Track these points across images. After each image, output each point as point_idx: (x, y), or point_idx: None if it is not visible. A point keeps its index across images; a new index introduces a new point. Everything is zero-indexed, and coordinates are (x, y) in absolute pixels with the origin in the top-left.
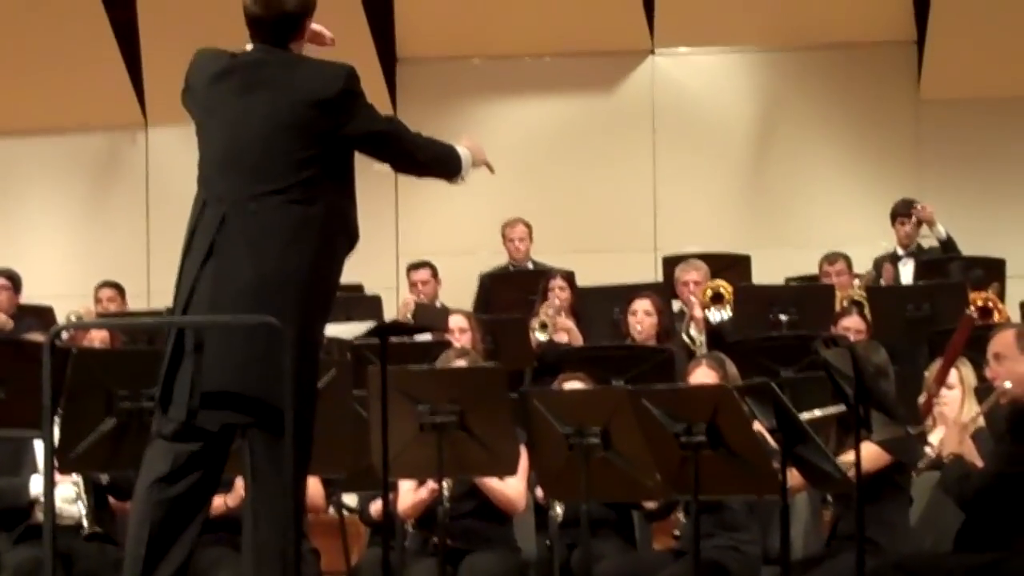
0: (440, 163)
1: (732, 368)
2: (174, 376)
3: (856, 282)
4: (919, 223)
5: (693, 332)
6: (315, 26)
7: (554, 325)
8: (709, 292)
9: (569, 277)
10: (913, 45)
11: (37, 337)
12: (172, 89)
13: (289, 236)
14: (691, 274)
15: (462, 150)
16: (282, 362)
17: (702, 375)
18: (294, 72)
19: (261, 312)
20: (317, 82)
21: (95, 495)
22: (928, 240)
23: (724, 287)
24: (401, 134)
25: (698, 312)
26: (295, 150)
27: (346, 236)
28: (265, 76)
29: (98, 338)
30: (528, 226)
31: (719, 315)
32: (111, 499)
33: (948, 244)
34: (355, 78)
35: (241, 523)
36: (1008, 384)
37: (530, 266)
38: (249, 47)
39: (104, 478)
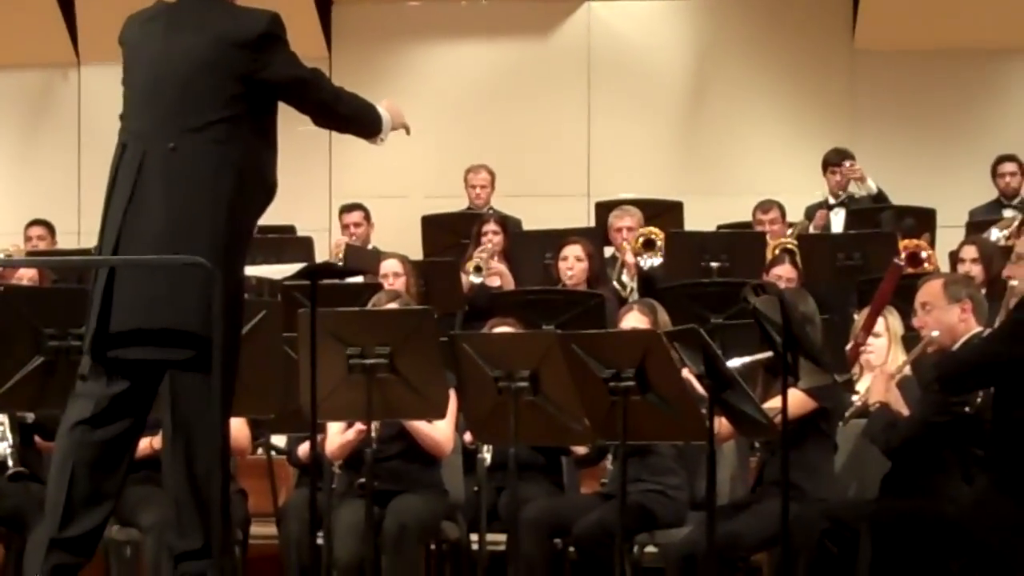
0: (361, 119)
1: (663, 315)
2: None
3: (788, 231)
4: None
5: (625, 278)
6: None
7: (488, 268)
8: (641, 239)
9: (502, 221)
10: None
11: None
12: (104, 27)
13: (204, 178)
14: (624, 220)
15: (383, 110)
16: (199, 302)
17: (633, 320)
18: (218, 14)
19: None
20: (239, 23)
21: (20, 434)
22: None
23: (656, 234)
24: (323, 84)
25: (630, 258)
26: (213, 89)
27: (262, 186)
28: (189, 17)
29: (27, 276)
30: (491, 173)
31: (651, 261)
32: (37, 439)
33: (879, 198)
34: (279, 23)
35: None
36: (935, 333)
37: (490, 212)
38: None
39: (30, 417)
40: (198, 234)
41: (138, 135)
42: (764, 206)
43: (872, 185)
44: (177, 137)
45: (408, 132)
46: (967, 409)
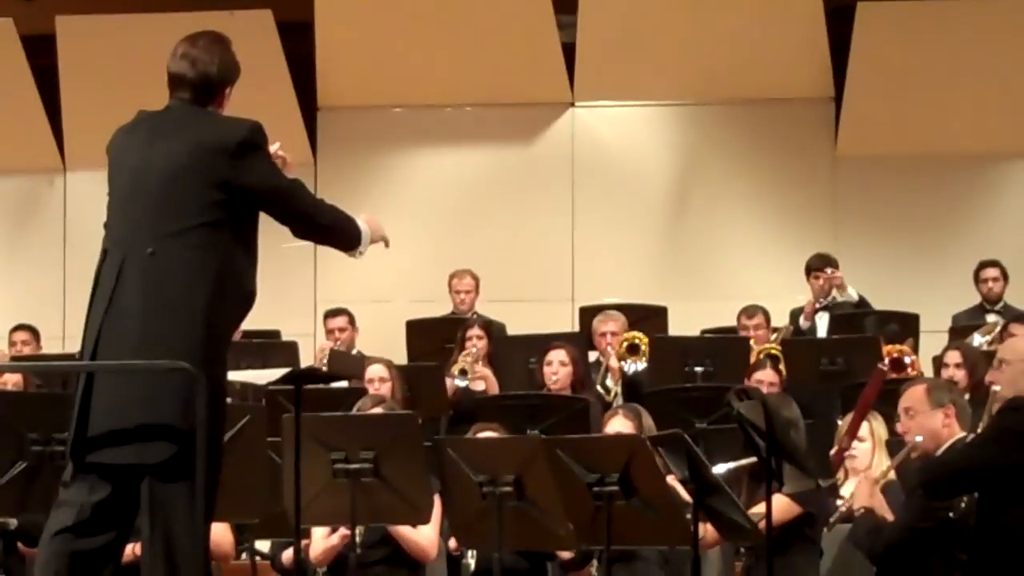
0: (340, 231)
1: (648, 419)
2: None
3: (773, 336)
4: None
5: (609, 382)
6: (274, 150)
7: (473, 372)
8: (625, 343)
9: (486, 326)
10: (831, 102)
11: None
12: (90, 134)
13: (181, 284)
14: (609, 325)
15: (362, 224)
16: (176, 406)
17: (618, 425)
18: (200, 122)
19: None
20: (220, 130)
21: (3, 539)
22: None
23: (640, 338)
24: (303, 195)
25: (614, 363)
26: (192, 195)
27: (240, 294)
28: (171, 126)
29: (11, 381)
30: (475, 278)
31: (635, 366)
32: (20, 545)
33: (861, 305)
34: (259, 132)
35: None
36: (919, 438)
37: (474, 316)
38: None
39: (13, 523)
40: (174, 340)
41: (118, 241)
42: (749, 311)
43: (853, 293)
44: (156, 242)
45: (387, 245)
46: (951, 514)
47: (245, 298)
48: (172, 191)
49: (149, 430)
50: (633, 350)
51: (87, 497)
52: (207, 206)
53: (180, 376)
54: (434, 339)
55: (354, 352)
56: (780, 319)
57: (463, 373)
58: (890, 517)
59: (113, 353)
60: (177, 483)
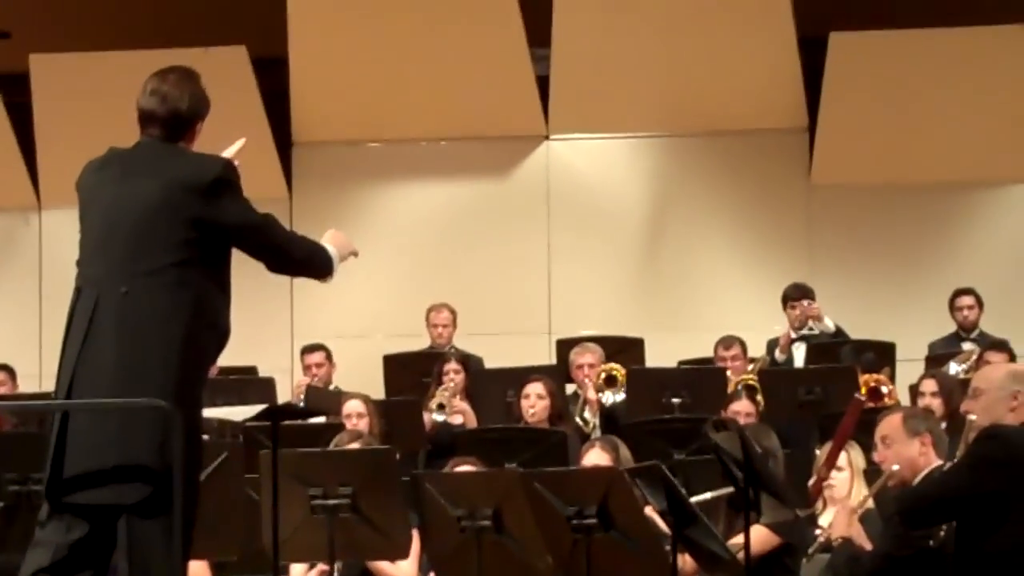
0: (314, 262)
1: (625, 451)
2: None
3: (750, 366)
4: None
5: (587, 414)
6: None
7: (451, 406)
8: (603, 375)
9: (464, 360)
10: (804, 132)
11: None
12: (65, 172)
13: (155, 322)
14: (586, 357)
15: (330, 248)
16: (150, 444)
17: (595, 457)
18: (172, 159)
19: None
20: (193, 168)
21: None
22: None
23: (617, 370)
24: (276, 230)
25: (592, 394)
26: (166, 233)
27: (215, 331)
28: (143, 164)
29: None
30: (453, 312)
31: (612, 397)
32: None
33: (838, 335)
34: (232, 169)
35: None
36: (896, 467)
37: (451, 351)
38: None
39: None
40: (149, 379)
41: (92, 280)
42: (726, 342)
43: (829, 324)
44: (129, 281)
45: (356, 255)
46: (931, 543)
47: (220, 336)
48: (145, 230)
49: (125, 470)
50: (611, 381)
51: (63, 537)
52: (181, 244)
53: (155, 414)
54: (412, 374)
55: (331, 387)
56: (757, 349)
57: (441, 407)
58: (868, 546)
59: (88, 393)
60: (154, 521)
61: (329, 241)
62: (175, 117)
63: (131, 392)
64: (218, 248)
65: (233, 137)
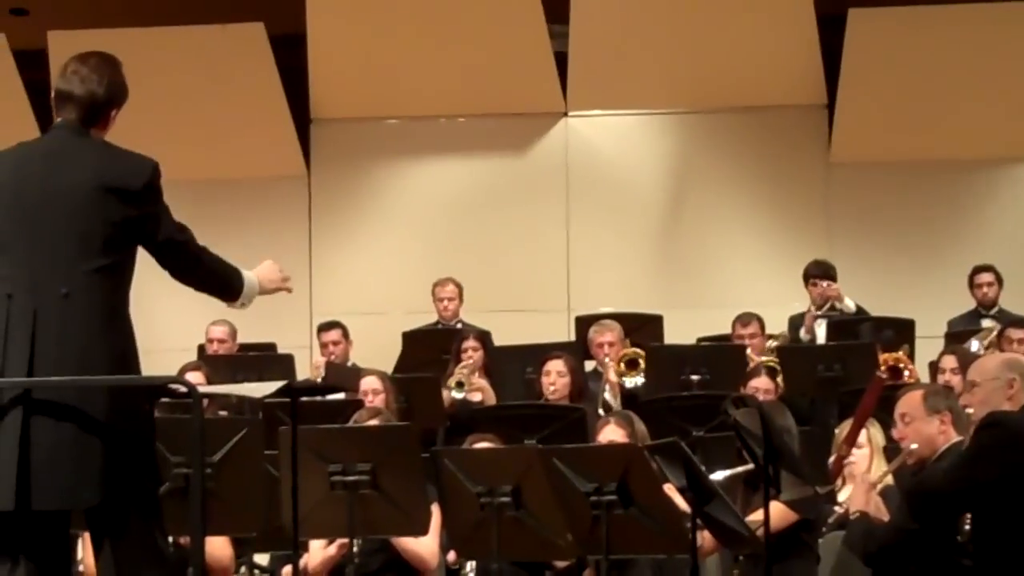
0: (218, 282)
1: (640, 425)
2: None
3: (769, 343)
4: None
5: (609, 396)
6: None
7: (470, 384)
8: (624, 359)
9: (482, 337)
10: (824, 109)
11: None
12: None
13: (97, 325)
14: (605, 335)
15: (248, 276)
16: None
17: (611, 433)
18: (100, 156)
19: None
20: (123, 169)
21: None
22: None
23: (639, 353)
24: (190, 248)
25: (613, 377)
26: (97, 234)
27: (131, 329)
28: (68, 158)
29: None
30: (458, 285)
31: (634, 381)
32: None
33: (859, 314)
34: (159, 174)
35: None
36: (915, 445)
37: (458, 325)
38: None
39: None
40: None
41: (23, 283)
42: (743, 319)
43: (850, 303)
44: (68, 283)
45: (289, 291)
46: (959, 538)
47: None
48: (77, 230)
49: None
50: (632, 365)
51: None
52: (110, 245)
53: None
54: (430, 350)
55: (349, 364)
56: (776, 326)
57: (460, 385)
58: (886, 519)
59: (50, 405)
60: (131, 528)
61: (260, 271)
62: (91, 101)
63: (87, 392)
64: (133, 251)
65: (252, 114)
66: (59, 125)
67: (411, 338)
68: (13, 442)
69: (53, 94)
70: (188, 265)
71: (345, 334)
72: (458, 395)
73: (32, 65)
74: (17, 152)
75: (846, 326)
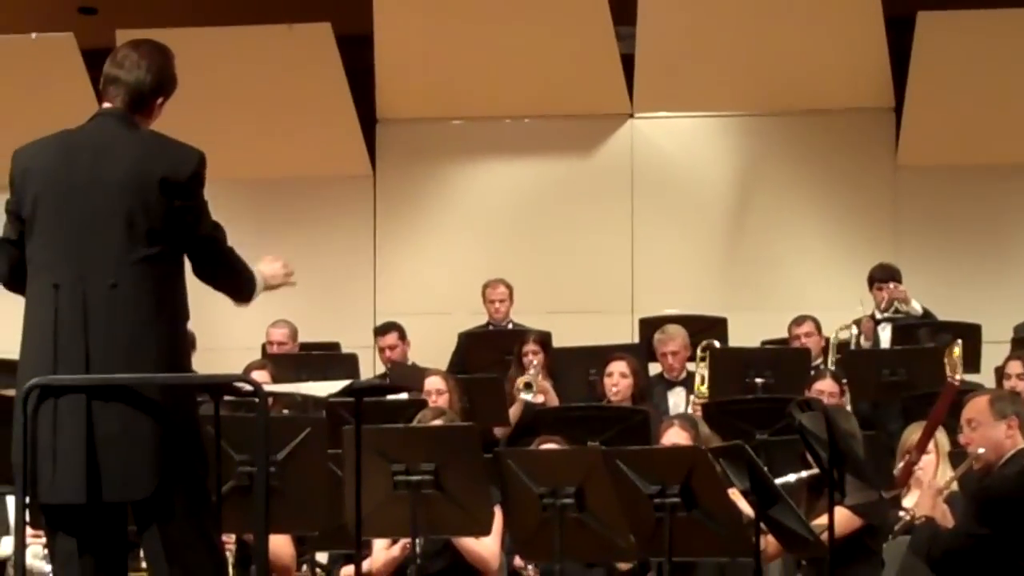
0: (239, 284)
1: (704, 428)
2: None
3: (834, 335)
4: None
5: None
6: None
7: (537, 385)
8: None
9: (542, 339)
10: (891, 112)
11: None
12: None
13: (147, 313)
14: (669, 345)
15: (257, 274)
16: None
17: (674, 436)
18: (146, 146)
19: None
20: (171, 159)
21: None
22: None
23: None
24: (223, 244)
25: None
26: (141, 225)
27: (185, 320)
28: (114, 148)
29: None
30: (509, 287)
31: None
32: None
33: (926, 317)
34: (205, 165)
35: None
36: (981, 450)
37: (509, 327)
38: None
39: None
40: (150, 367)
41: (71, 273)
42: (798, 320)
43: (917, 306)
44: (116, 274)
45: (293, 284)
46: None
47: (185, 322)
48: (123, 219)
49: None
50: (528, 386)
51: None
52: (156, 234)
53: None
54: (490, 350)
55: (408, 364)
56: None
57: (528, 386)
58: (952, 525)
59: (109, 397)
60: (182, 521)
61: (262, 267)
62: (139, 88)
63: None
64: (179, 241)
65: (318, 114)
66: (105, 112)
67: (469, 339)
68: (80, 436)
69: (102, 78)
70: (217, 263)
71: (402, 335)
72: (527, 396)
73: (101, 64)
74: (61, 139)
75: (912, 330)
